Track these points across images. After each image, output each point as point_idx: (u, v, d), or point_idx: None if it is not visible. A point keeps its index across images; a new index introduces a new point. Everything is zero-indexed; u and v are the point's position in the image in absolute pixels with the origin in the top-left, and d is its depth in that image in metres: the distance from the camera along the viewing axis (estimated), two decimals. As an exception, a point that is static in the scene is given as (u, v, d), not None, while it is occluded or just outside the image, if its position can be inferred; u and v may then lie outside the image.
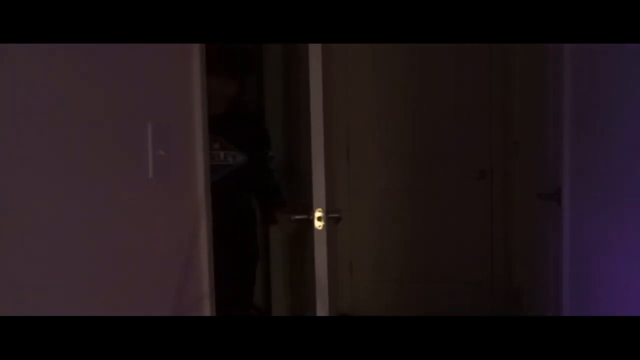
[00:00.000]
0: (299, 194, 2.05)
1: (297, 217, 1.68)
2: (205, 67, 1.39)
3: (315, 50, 1.54)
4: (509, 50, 3.07)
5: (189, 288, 1.33)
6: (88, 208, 1.04)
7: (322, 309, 1.58)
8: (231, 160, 1.99)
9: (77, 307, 1.01)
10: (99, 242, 1.07)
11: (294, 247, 2.48)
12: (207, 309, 1.39)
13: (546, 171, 2.43)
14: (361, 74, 3.19)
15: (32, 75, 0.92)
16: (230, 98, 2.02)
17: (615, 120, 1.73)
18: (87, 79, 1.04)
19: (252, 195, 2.19)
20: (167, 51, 1.26)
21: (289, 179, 2.48)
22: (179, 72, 1.32)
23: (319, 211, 1.54)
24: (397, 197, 3.26)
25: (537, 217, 2.66)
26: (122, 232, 1.13)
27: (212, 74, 1.87)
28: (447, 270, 3.27)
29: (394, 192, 3.27)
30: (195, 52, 1.34)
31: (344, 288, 3.33)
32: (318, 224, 1.55)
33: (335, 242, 2.21)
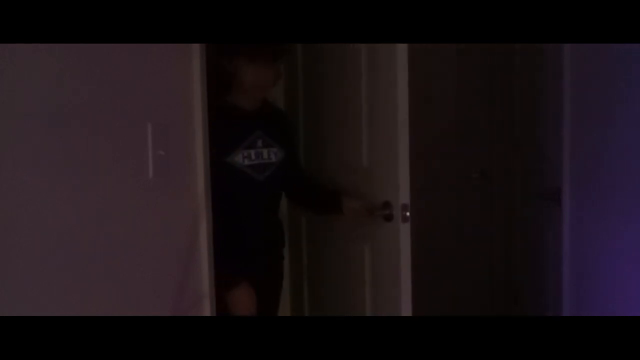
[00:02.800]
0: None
1: (379, 213, 1.59)
2: (205, 67, 1.39)
3: (401, 51, 1.51)
4: (509, 50, 3.07)
5: (189, 288, 1.33)
6: (88, 208, 1.04)
7: (406, 308, 1.53)
8: (274, 158, 1.89)
9: (77, 307, 1.01)
10: (99, 241, 1.07)
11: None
12: (207, 309, 1.39)
13: (546, 171, 2.43)
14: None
15: (32, 76, 0.93)
16: (267, 90, 1.91)
17: (615, 120, 1.73)
18: (87, 78, 1.04)
19: (295, 196, 2.10)
20: (167, 51, 1.26)
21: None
22: (179, 72, 1.32)
23: (404, 206, 1.50)
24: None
25: (537, 217, 2.66)
26: (122, 232, 1.13)
27: (253, 64, 1.82)
28: (446, 270, 3.27)
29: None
30: (195, 52, 1.34)
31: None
32: (402, 219, 1.51)
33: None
